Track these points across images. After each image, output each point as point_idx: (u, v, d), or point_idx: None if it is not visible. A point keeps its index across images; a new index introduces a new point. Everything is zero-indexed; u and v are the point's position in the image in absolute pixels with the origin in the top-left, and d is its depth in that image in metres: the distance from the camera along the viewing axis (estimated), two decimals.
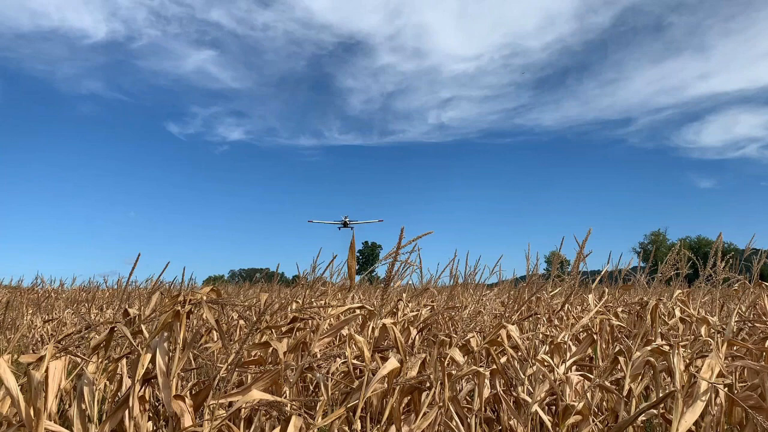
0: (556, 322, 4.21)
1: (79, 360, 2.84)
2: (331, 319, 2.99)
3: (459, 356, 2.86)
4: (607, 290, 5.27)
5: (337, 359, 3.06)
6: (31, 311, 7.47)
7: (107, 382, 3.14)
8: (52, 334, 6.17)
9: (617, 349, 3.24)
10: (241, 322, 4.34)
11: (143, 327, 2.69)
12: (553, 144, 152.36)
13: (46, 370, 2.28)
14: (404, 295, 7.41)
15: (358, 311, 2.76)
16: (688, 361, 2.87)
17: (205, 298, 2.62)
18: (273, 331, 3.08)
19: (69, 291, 13.51)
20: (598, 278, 4.68)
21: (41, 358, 2.44)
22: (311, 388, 3.87)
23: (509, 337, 3.20)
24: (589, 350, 3.85)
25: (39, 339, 6.17)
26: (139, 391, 2.70)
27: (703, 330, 3.29)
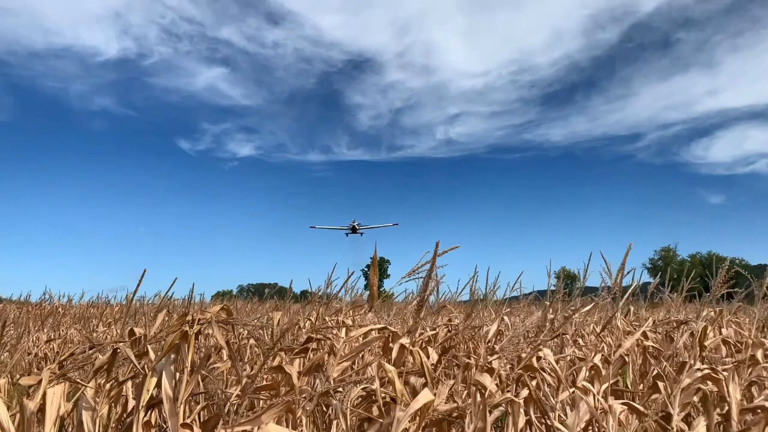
0: (581, 342, 3.99)
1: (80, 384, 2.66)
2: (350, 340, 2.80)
3: (489, 382, 2.64)
4: (632, 308, 5.06)
5: (357, 386, 2.85)
6: (36, 328, 7.33)
7: (112, 405, 2.97)
8: (57, 352, 6.01)
9: (654, 372, 3.03)
10: (252, 340, 4.15)
11: (149, 348, 2.51)
12: (562, 159, 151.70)
13: (42, 397, 2.10)
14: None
15: (379, 332, 2.55)
16: (743, 388, 2.66)
17: (214, 317, 2.44)
18: (285, 352, 2.89)
19: (77, 307, 13.37)
20: (627, 294, 4.46)
21: (40, 382, 2.27)
22: (328, 415, 3.67)
23: (539, 359, 2.99)
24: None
25: (43, 357, 6.01)
26: (144, 416, 2.52)
27: (759, 354, 3.06)
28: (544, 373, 3.01)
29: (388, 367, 2.31)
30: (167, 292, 3.99)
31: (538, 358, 2.95)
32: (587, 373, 3.05)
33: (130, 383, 2.99)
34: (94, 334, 6.54)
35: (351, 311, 5.16)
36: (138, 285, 2.70)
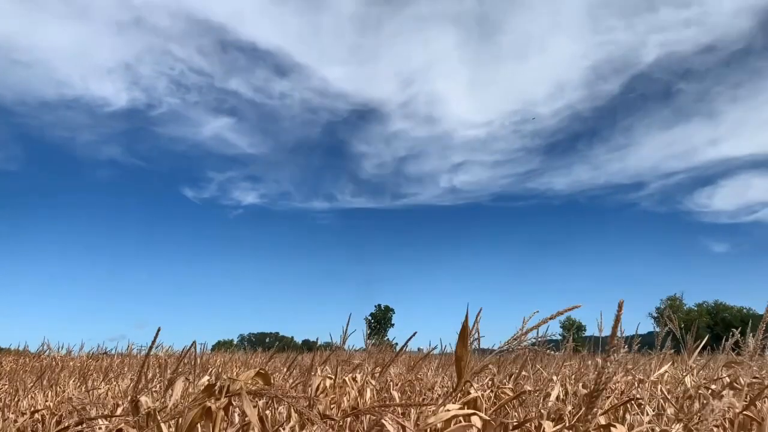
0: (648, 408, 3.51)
1: None
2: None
3: None
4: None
5: None
6: (31, 384, 6.83)
7: None
8: (53, 413, 5.52)
9: None
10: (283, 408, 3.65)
11: (163, 427, 2.08)
12: (565, 207, 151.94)
13: None
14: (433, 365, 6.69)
15: (465, 419, 2.01)
16: None
17: (245, 386, 2.01)
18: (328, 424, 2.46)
19: (77, 358, 12.84)
20: (664, 342, 4.02)
21: None
22: None
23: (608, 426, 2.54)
24: None
25: (39, 419, 5.52)
26: None
27: None
28: None
29: None
30: (157, 345, 3.56)
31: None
32: None
33: None
34: (94, 392, 6.05)
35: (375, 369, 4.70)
36: (152, 344, 2.30)
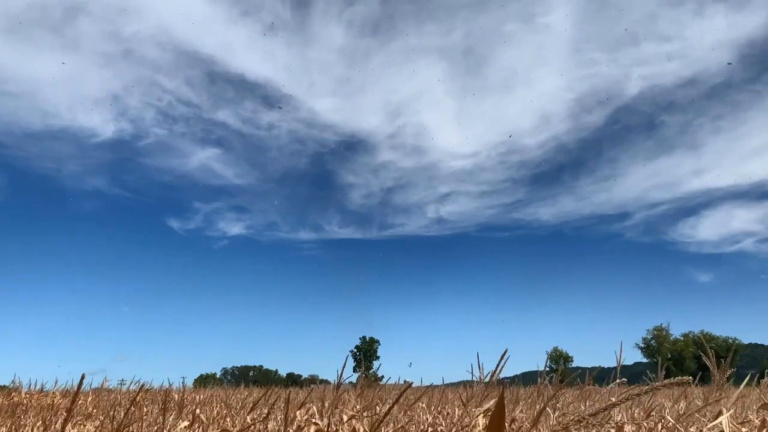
0: None
1: None
2: None
3: None
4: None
5: None
6: None
7: None
8: None
9: None
10: None
11: None
12: (551, 238, 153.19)
13: None
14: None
15: None
16: None
17: None
18: None
19: (50, 395, 12.23)
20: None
21: None
22: None
23: None
24: None
25: None
26: None
27: None
28: None
29: None
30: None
31: None
32: None
33: None
34: None
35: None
36: (77, 391, 1.94)
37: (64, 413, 8.58)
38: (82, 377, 1.37)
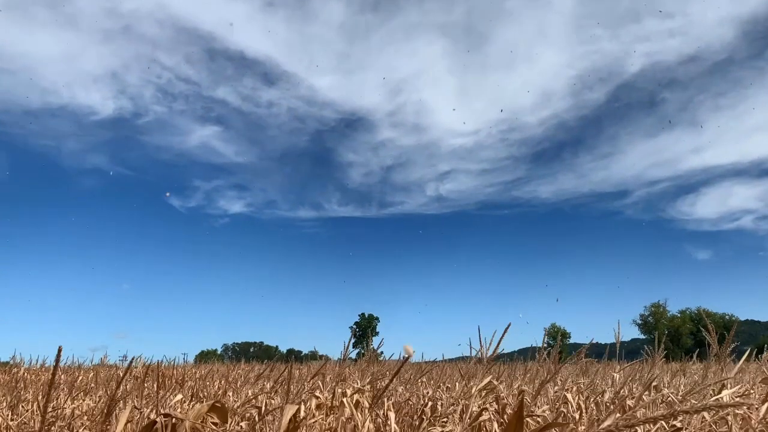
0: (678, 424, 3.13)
1: None
2: None
3: None
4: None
5: None
6: None
7: None
8: None
9: None
10: None
11: None
12: (550, 216, 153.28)
13: None
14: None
15: None
16: None
17: (195, 422, 1.63)
18: None
19: (50, 371, 12.28)
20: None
21: None
22: None
23: None
24: None
25: None
26: None
27: None
28: None
29: None
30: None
31: None
32: None
33: None
34: (58, 412, 5.60)
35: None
36: (56, 364, 1.90)
37: (65, 388, 8.62)
38: (59, 350, 1.33)
